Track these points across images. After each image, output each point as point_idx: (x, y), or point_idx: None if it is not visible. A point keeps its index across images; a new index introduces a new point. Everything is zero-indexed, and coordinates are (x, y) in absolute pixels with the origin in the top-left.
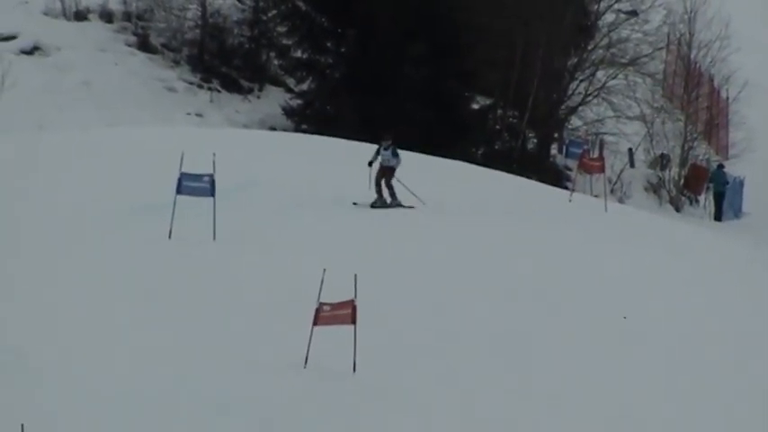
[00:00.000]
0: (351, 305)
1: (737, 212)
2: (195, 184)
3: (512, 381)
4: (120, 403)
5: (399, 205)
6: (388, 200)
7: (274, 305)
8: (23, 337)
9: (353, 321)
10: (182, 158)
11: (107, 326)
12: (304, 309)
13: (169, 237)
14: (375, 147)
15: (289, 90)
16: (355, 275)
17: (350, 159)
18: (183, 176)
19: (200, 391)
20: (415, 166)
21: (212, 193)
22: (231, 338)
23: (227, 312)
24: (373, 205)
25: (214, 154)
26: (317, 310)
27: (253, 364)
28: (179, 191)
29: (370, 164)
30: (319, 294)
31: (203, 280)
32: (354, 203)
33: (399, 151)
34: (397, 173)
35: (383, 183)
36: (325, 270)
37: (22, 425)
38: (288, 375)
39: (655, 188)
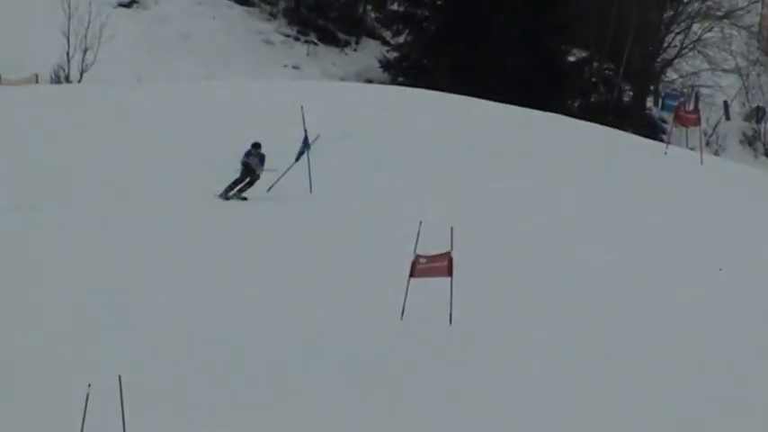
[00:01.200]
0: (447, 257)
1: None
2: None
3: (609, 334)
4: (221, 346)
5: (233, 197)
6: (233, 192)
7: (371, 257)
8: (126, 281)
9: (450, 274)
10: (305, 132)
11: (207, 274)
12: (400, 261)
13: (267, 190)
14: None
15: (385, 43)
16: (451, 228)
17: (446, 112)
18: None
19: (297, 340)
20: (510, 119)
21: (306, 146)
22: (328, 290)
23: (325, 264)
24: (221, 195)
25: (302, 107)
26: (414, 263)
27: (350, 316)
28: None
29: (244, 163)
30: (416, 246)
31: (301, 232)
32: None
33: (265, 159)
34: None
35: (246, 181)
36: (421, 222)
37: (120, 376)
38: (384, 327)
39: (750, 141)
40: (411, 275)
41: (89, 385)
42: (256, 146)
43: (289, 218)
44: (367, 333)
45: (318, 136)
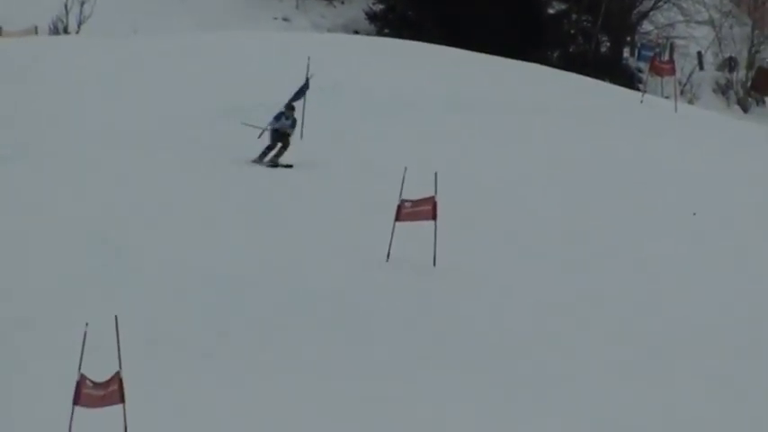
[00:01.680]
0: (431, 201)
1: None
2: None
3: (585, 275)
4: (212, 289)
5: (276, 165)
6: (267, 158)
7: (358, 202)
8: (122, 226)
9: (434, 217)
10: (308, 67)
11: (198, 219)
12: (386, 205)
13: (258, 137)
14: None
15: None
16: (435, 173)
17: (431, 63)
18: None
19: (285, 283)
20: (493, 69)
21: (302, 93)
22: (316, 234)
23: (313, 209)
24: (256, 161)
25: (309, 58)
26: (399, 207)
27: (338, 259)
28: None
29: (273, 129)
30: (401, 191)
31: (290, 177)
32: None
33: (297, 122)
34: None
35: (279, 145)
36: (406, 168)
37: (116, 316)
38: (371, 269)
39: (723, 90)
40: (397, 219)
41: (86, 324)
42: (290, 107)
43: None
44: (354, 275)
45: (312, 75)
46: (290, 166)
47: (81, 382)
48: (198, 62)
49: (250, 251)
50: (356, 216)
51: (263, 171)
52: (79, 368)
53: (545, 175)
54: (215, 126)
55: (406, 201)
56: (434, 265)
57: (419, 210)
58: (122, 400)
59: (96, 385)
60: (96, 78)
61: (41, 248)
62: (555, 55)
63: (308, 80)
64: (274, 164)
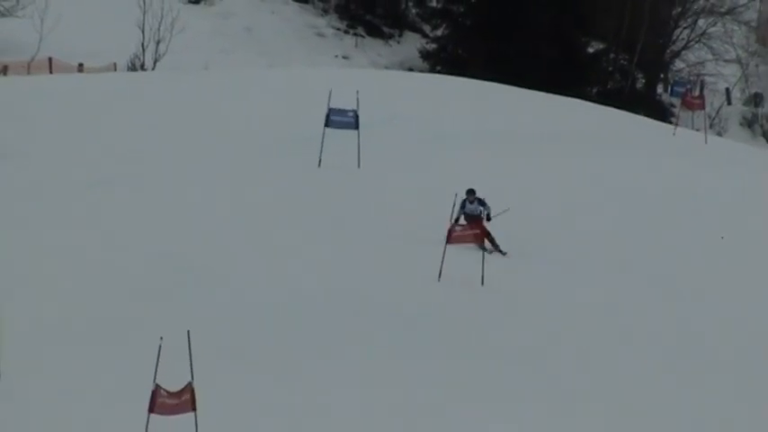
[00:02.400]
0: (480, 226)
1: None
2: (341, 119)
3: (625, 289)
4: (279, 304)
5: (496, 250)
6: (489, 247)
7: (411, 225)
8: (189, 247)
9: (483, 240)
10: (329, 96)
11: (266, 242)
12: (438, 229)
13: (318, 165)
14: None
15: (425, 36)
16: (483, 199)
17: (479, 97)
18: (332, 111)
19: (346, 300)
20: (536, 103)
21: (356, 126)
22: (373, 255)
23: (370, 232)
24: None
25: (357, 92)
26: (450, 231)
27: (393, 278)
28: (327, 124)
29: (457, 221)
30: (451, 216)
31: (349, 203)
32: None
33: (485, 201)
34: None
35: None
36: (456, 195)
37: (188, 331)
38: (424, 288)
39: (749, 123)
40: (448, 242)
41: (161, 338)
42: (471, 192)
43: (339, 190)
44: (408, 293)
45: (331, 107)
46: (504, 253)
47: (156, 391)
48: (265, 95)
49: (313, 270)
50: (410, 238)
51: (327, 195)
52: (154, 379)
53: (588, 201)
54: (282, 155)
55: (457, 225)
56: (482, 284)
57: (468, 233)
58: (194, 408)
59: (170, 394)
60: (172, 110)
61: (120, 268)
62: (594, 91)
63: (330, 109)
64: (496, 250)
